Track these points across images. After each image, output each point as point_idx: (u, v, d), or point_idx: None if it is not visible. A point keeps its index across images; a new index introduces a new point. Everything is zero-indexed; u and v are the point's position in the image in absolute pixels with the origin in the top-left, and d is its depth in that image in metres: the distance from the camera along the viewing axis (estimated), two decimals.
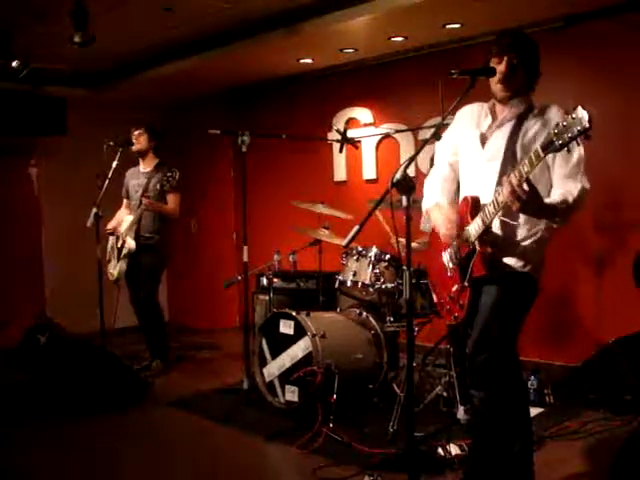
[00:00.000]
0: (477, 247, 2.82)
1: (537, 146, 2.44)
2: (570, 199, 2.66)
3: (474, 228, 2.83)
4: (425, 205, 3.15)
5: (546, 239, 2.87)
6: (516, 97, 2.85)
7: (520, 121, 2.82)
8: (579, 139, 2.27)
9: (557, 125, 2.31)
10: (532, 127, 2.79)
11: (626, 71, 4.72)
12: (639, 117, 4.69)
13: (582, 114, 2.22)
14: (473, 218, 2.84)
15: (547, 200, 2.66)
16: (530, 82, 2.87)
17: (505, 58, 2.79)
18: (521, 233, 2.84)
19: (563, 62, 4.73)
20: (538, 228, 2.83)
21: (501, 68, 2.80)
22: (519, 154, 2.76)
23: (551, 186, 2.76)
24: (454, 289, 2.95)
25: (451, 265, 2.98)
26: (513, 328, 2.88)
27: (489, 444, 2.95)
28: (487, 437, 2.96)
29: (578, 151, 2.66)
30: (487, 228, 2.78)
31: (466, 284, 2.87)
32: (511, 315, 2.86)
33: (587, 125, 2.21)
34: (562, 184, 2.71)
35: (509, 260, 2.84)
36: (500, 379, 2.85)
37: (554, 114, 2.76)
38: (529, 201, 2.54)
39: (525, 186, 2.52)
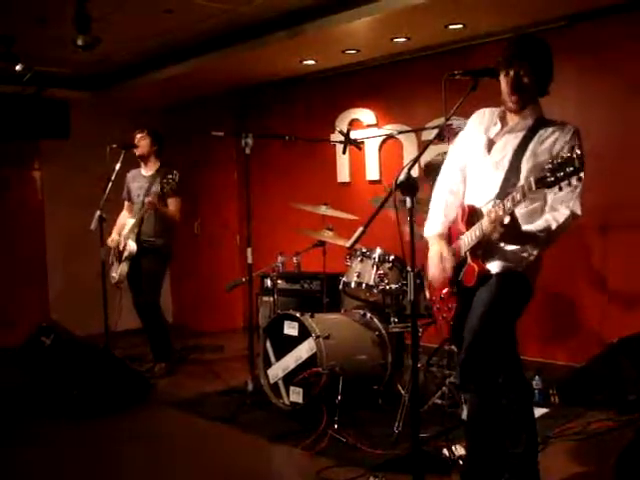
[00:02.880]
0: (468, 259, 2.81)
1: (531, 178, 2.43)
2: (553, 226, 2.66)
3: (467, 239, 2.80)
4: (427, 231, 3.04)
5: None
6: (527, 106, 2.78)
7: (531, 133, 2.77)
8: (572, 179, 2.28)
9: (552, 161, 2.31)
10: (542, 142, 2.74)
11: (629, 70, 4.71)
12: None
13: (575, 155, 2.25)
14: (468, 228, 2.81)
15: (527, 228, 2.68)
16: (542, 87, 2.79)
17: (512, 72, 2.72)
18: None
19: (566, 61, 4.71)
20: None
21: (508, 81, 2.74)
22: (524, 166, 2.72)
23: (545, 202, 2.73)
24: (444, 291, 2.96)
25: None
26: (504, 329, 2.84)
27: (486, 446, 2.93)
28: (483, 439, 2.94)
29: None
30: (480, 242, 2.75)
31: (455, 291, 2.88)
32: (502, 316, 2.81)
33: (578, 167, 2.25)
34: (553, 206, 2.70)
35: (500, 261, 2.79)
36: (494, 381, 2.82)
37: (567, 132, 2.73)
38: (507, 233, 2.61)
39: (506, 219, 2.56)
